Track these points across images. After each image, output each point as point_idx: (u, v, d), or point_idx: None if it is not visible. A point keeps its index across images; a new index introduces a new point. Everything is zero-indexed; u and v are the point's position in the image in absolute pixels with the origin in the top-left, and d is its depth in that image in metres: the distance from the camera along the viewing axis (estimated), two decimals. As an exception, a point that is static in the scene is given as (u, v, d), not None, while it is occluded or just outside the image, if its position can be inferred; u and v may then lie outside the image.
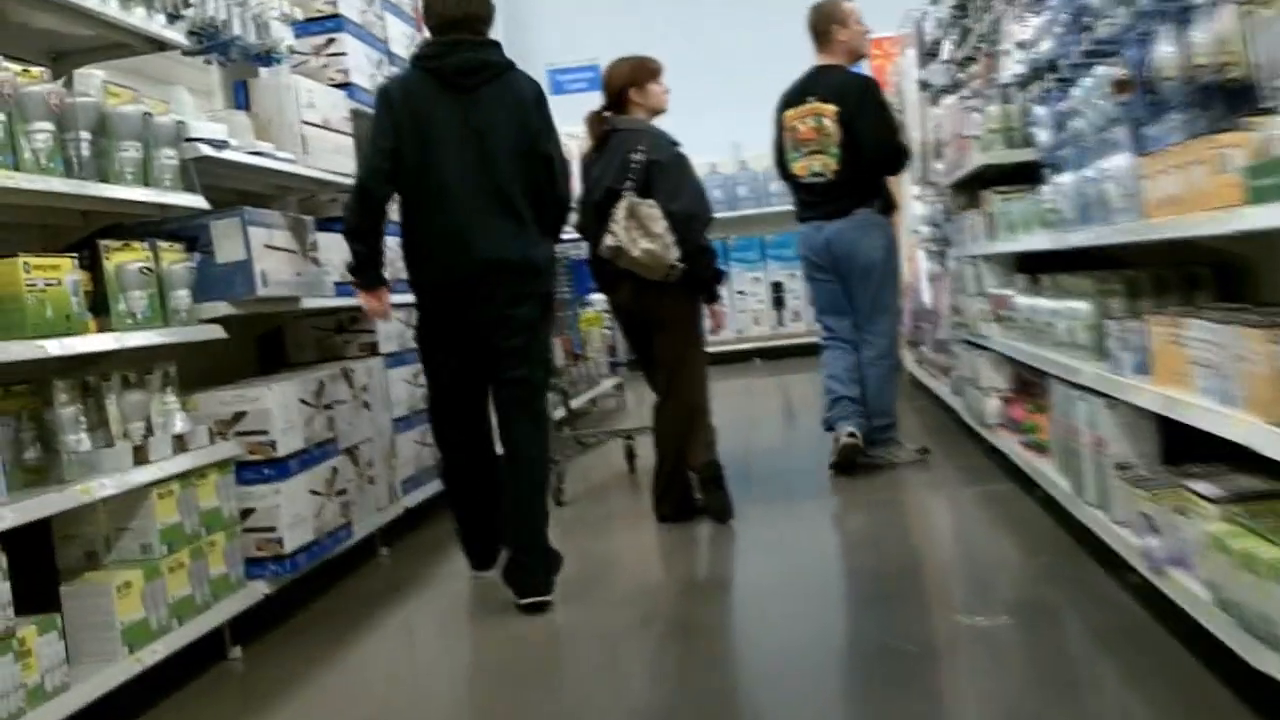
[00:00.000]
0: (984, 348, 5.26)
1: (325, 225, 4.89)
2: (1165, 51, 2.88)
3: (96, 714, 2.93)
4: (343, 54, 5.12)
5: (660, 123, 5.04)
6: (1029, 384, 5.19)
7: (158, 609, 3.18)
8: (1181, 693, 2.72)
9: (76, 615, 2.95)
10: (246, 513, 3.78)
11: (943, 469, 5.63)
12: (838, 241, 5.50)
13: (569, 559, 4.16)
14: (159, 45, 3.79)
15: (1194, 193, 2.55)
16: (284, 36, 4.55)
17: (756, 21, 11.43)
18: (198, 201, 3.69)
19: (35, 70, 3.06)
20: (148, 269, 3.39)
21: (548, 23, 12.19)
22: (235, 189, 4.57)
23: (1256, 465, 2.55)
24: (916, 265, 8.71)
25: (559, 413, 6.40)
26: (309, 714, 3.34)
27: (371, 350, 5.04)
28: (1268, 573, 2.24)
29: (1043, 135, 4.17)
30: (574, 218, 4.82)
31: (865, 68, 11.26)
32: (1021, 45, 4.59)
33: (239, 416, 3.79)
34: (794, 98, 5.62)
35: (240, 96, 4.54)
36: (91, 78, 3.34)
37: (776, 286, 12.08)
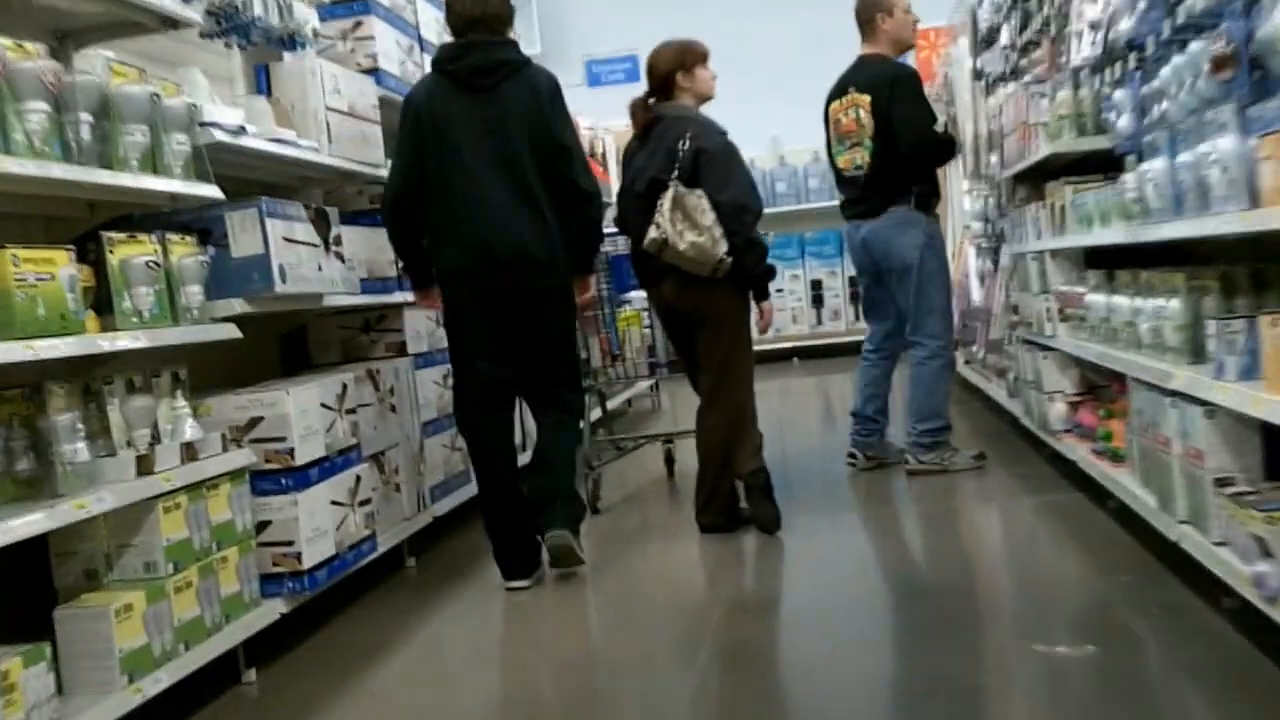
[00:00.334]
0: (1048, 348, 4.94)
1: (351, 219, 4.65)
2: (1277, 23, 2.57)
3: (93, 750, 2.67)
4: (370, 38, 4.85)
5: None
6: (1097, 387, 4.88)
7: (162, 633, 2.91)
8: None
9: (71, 642, 2.70)
10: (262, 525, 3.52)
11: (1000, 477, 5.31)
12: (873, 242, 5.35)
13: (606, 572, 4.00)
14: (172, 23, 3.52)
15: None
16: (308, 19, 4.31)
17: (796, 12, 11.15)
18: (211, 191, 3.43)
19: (30, 46, 2.80)
20: (155, 263, 3.13)
21: (584, 14, 11.92)
22: (255, 180, 4.32)
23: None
24: (966, 262, 8.39)
25: (595, 414, 6.12)
26: (327, 746, 3.08)
27: (399, 350, 4.77)
28: None
29: (1122, 121, 3.85)
30: (612, 211, 4.67)
31: (911, 59, 11.15)
32: (1094, 26, 4.29)
33: (255, 422, 3.52)
34: (838, 90, 5.49)
35: (261, 81, 4.28)
36: (95, 57, 3.09)
37: (815, 285, 11.80)
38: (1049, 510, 4.61)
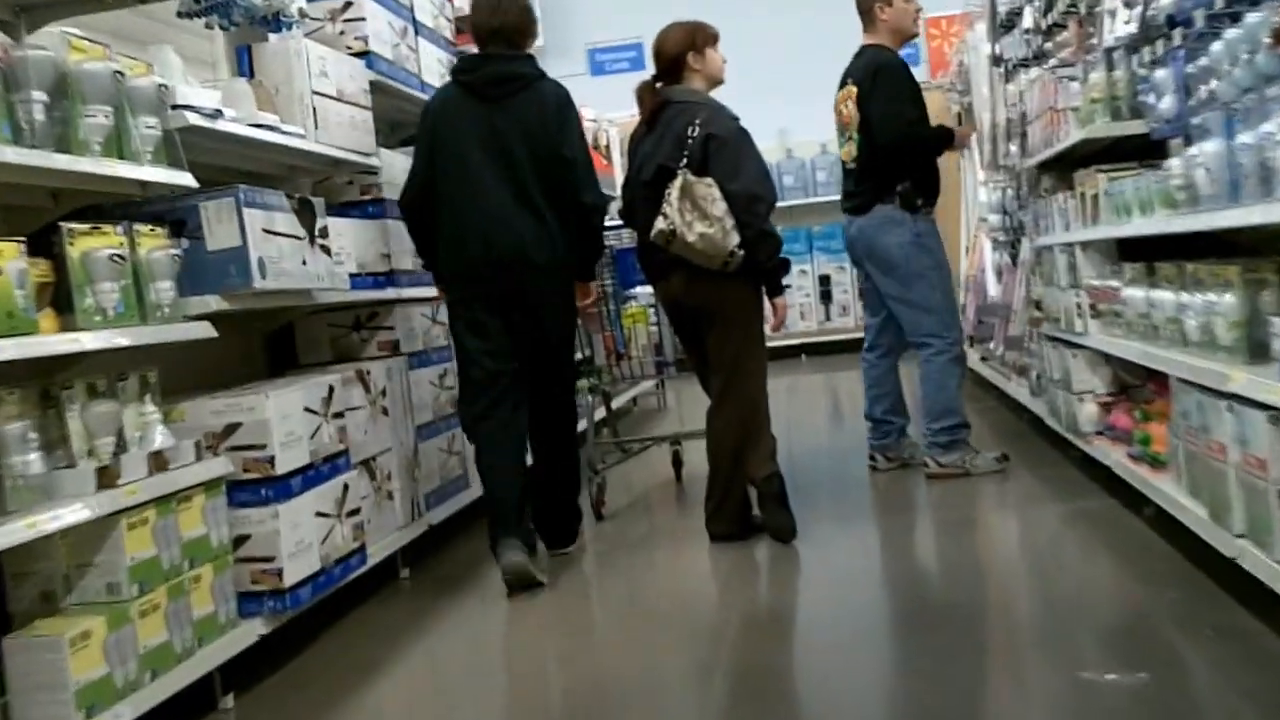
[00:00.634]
0: (1077, 346, 4.67)
1: (341, 210, 4.39)
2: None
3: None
4: (361, 19, 4.57)
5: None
6: (1130, 387, 4.62)
7: (124, 663, 2.65)
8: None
9: (21, 675, 2.45)
10: (240, 540, 3.26)
11: (1024, 480, 5.05)
12: (859, 240, 5.22)
13: (611, 584, 3.85)
14: (142, -2, 3.27)
15: None
16: (294, -2, 4.04)
17: (803, 4, 10.87)
18: (184, 178, 3.17)
19: (-24, 17, 2.55)
20: (120, 257, 2.87)
21: (587, 0, 11.63)
22: (237, 169, 4.06)
23: None
24: (981, 256, 8.12)
25: (599, 413, 5.87)
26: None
27: (393, 349, 4.51)
28: None
29: (1164, 102, 3.59)
30: (614, 205, 4.50)
31: (922, 48, 10.89)
32: (1129, 3, 4.03)
33: (232, 428, 3.26)
34: (840, 81, 5.33)
35: (243, 63, 4.01)
36: (53, 32, 2.83)
37: (824, 280, 11.57)
38: (1080, 518, 4.34)
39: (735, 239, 4.18)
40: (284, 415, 3.33)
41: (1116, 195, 3.96)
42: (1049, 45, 5.35)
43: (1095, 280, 4.40)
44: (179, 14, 3.62)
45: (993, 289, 7.68)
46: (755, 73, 10.03)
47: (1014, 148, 6.35)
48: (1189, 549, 3.48)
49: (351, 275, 4.17)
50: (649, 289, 4.90)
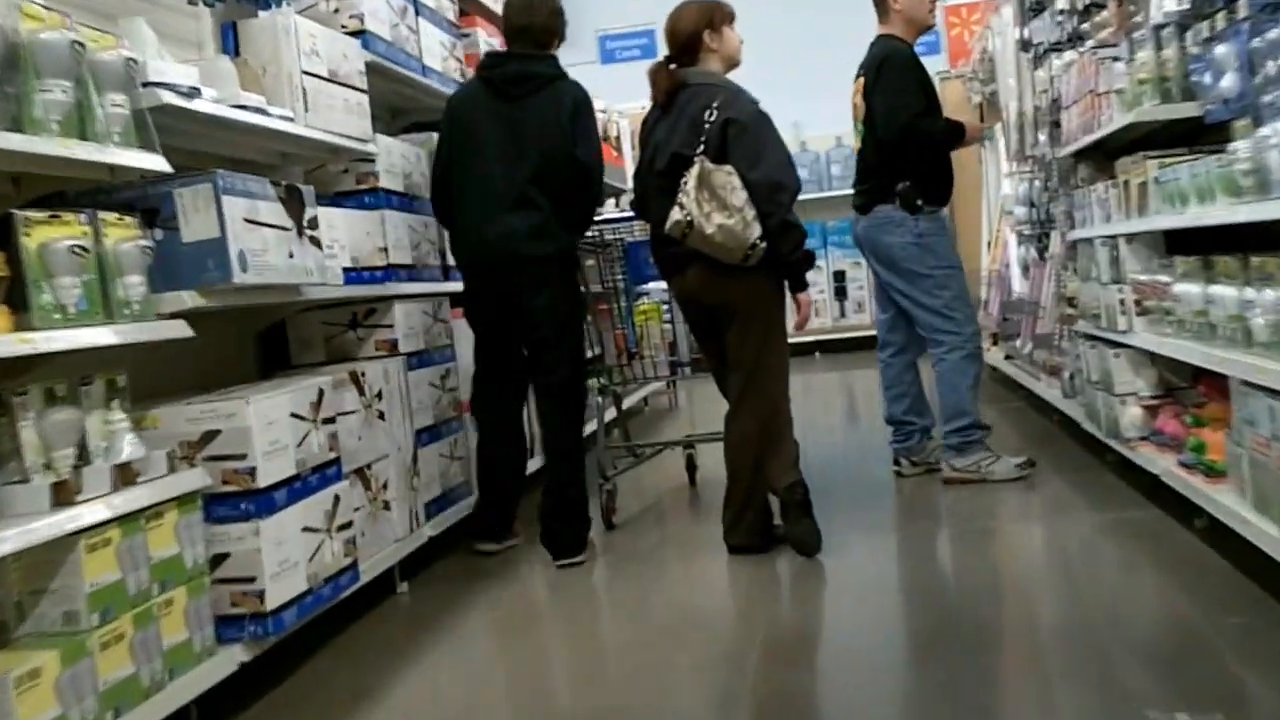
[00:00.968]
0: (1120, 345, 4.38)
1: (335, 200, 4.12)
2: None
3: None
4: (357, -3, 4.31)
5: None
6: (1176, 389, 4.33)
7: (82, 700, 2.38)
8: None
9: (-40, 720, 2.17)
10: (219, 559, 2.98)
11: (1058, 488, 4.76)
12: (864, 239, 5.04)
13: (622, 601, 3.71)
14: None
15: None
16: (284, -28, 3.77)
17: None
18: (156, 162, 2.89)
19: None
20: (82, 248, 2.59)
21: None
22: (223, 156, 3.78)
23: None
24: (1006, 251, 7.83)
25: (610, 414, 5.59)
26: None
27: (391, 349, 4.23)
28: None
29: (1225, 81, 3.30)
30: (625, 198, 4.31)
31: (943, 38, 10.59)
32: (1179, -22, 3.74)
33: (209, 437, 2.98)
34: (856, 74, 5.12)
35: (228, 42, 3.74)
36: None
37: (839, 276, 11.34)
38: (1124, 530, 4.05)
39: (757, 230, 3.91)
40: (267, 422, 3.04)
41: (1169, 183, 3.67)
42: (1086, 26, 5.06)
43: (1142, 275, 4.11)
44: (159, -12, 3.36)
45: (1018, 284, 7.40)
46: (769, 64, 9.73)
47: (1043, 137, 6.06)
48: (1251, 567, 3.20)
49: (346, 270, 3.89)
50: (662, 284, 4.62)
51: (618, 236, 4.89)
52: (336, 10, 4.27)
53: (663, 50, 4.30)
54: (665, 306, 5.03)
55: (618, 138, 8.73)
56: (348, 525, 3.48)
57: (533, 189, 4.19)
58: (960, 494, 4.73)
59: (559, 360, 4.34)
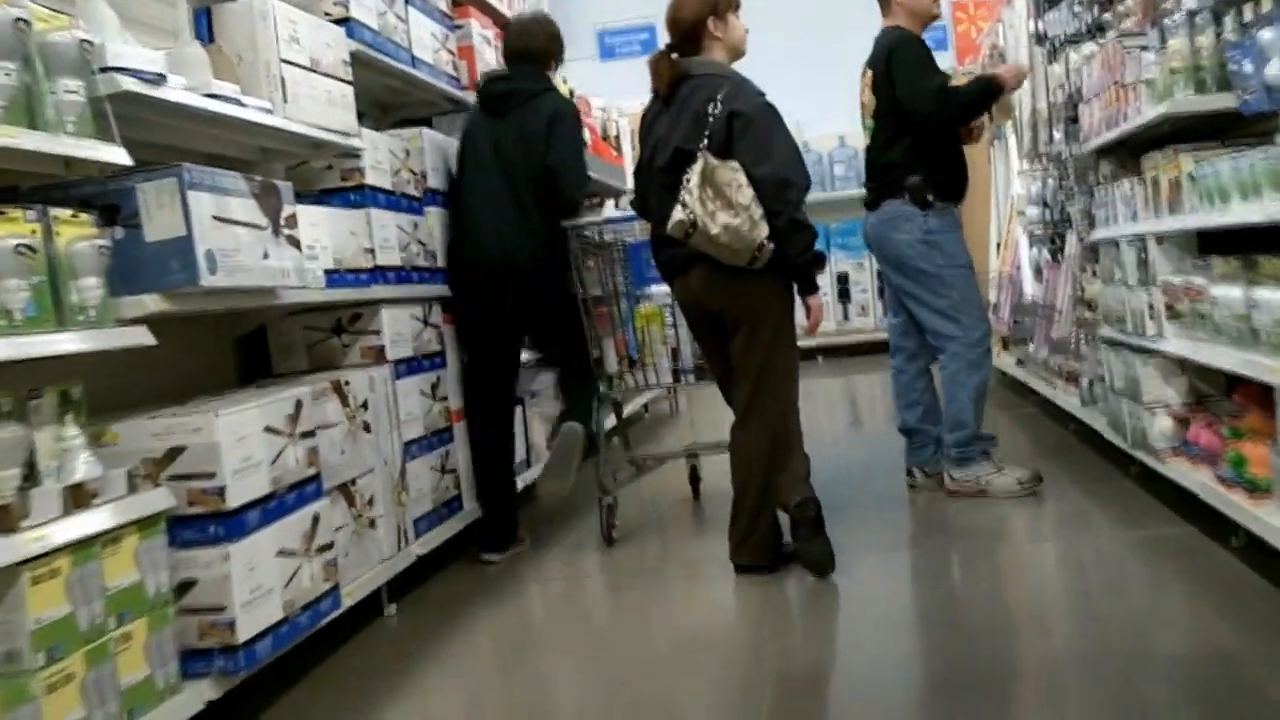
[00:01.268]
0: (1148, 351, 4.15)
1: (318, 197, 3.88)
2: None
3: None
4: (342, -17, 4.07)
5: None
6: (1207, 398, 4.10)
7: (24, 753, 2.14)
8: None
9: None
10: (185, 587, 2.73)
11: (1077, 501, 4.53)
12: (871, 236, 4.84)
13: (622, 624, 3.63)
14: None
15: None
16: (262, -44, 3.52)
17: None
18: (114, 154, 2.64)
19: None
20: (28, 247, 2.35)
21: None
22: (198, 150, 3.53)
23: None
24: (1017, 253, 7.60)
25: (610, 422, 5.34)
26: None
27: (378, 356, 3.99)
28: None
29: (1272, 68, 3.06)
30: (625, 198, 4.18)
31: (949, 34, 10.37)
32: (1216, -40, 3.52)
33: (175, 453, 2.74)
34: (863, 70, 4.91)
35: (202, 28, 3.50)
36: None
37: (842, 279, 11.09)
38: (1156, 549, 3.81)
39: (764, 230, 3.68)
40: (238, 437, 2.80)
41: (1208, 178, 3.43)
42: (1108, 16, 4.83)
43: (1174, 277, 3.87)
44: (126, -31, 3.12)
45: (1030, 287, 7.17)
46: (770, 62, 9.56)
47: (1058, 134, 5.83)
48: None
49: (328, 272, 3.64)
50: (665, 287, 4.38)
51: (618, 237, 4.65)
52: (320, -3, 4.03)
53: (664, 43, 4.07)
54: (668, 310, 4.79)
55: (617, 136, 8.50)
56: (328, 547, 3.24)
57: (522, 201, 4.37)
58: (976, 509, 4.50)
59: (561, 338, 4.60)
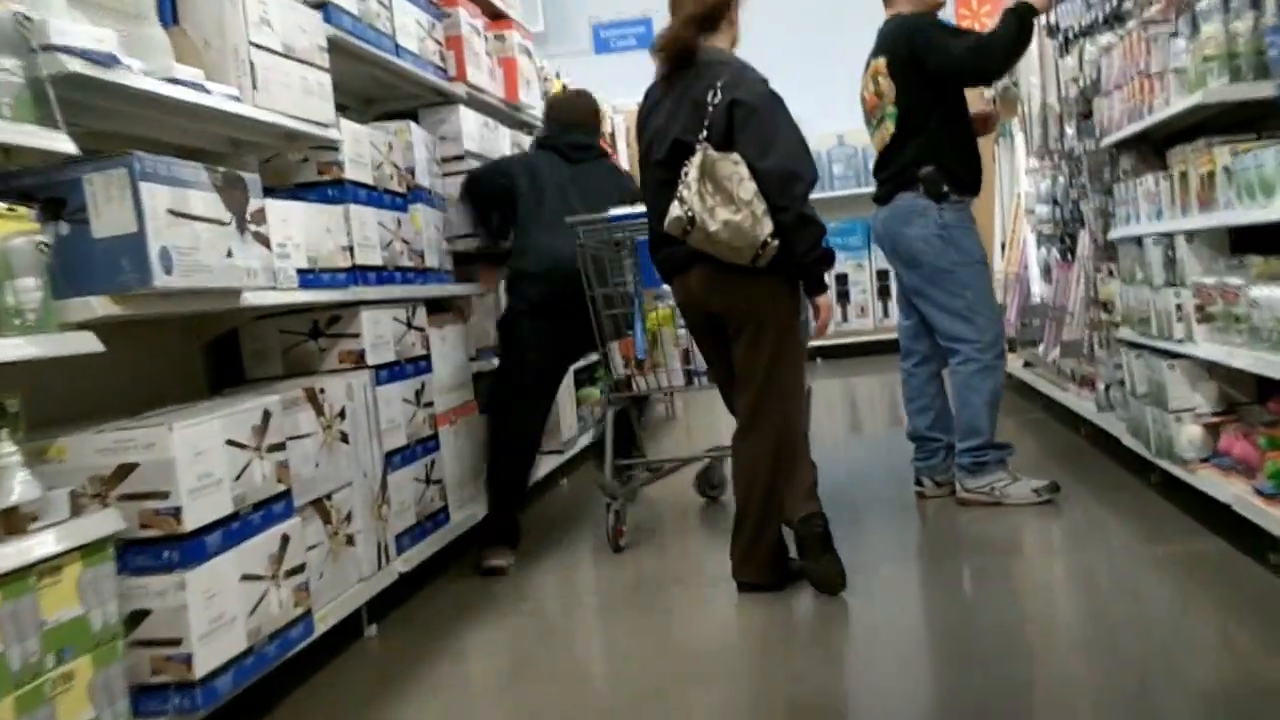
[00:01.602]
0: (1176, 355, 3.92)
1: (291, 192, 3.64)
2: None
3: None
4: (318, -36, 3.83)
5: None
6: (1238, 405, 3.87)
7: (-61, 815, 1.90)
8: None
9: None
10: (137, 618, 2.48)
11: (1096, 512, 4.31)
12: (882, 233, 4.62)
13: (623, 645, 3.44)
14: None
15: None
16: (231, -67, 3.27)
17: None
18: (57, 141, 2.40)
19: None
20: (-44, 244, 2.11)
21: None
22: (164, 141, 3.28)
23: None
24: (1024, 252, 7.37)
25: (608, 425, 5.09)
26: None
27: (357, 361, 3.75)
28: None
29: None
30: None
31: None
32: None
33: (125, 471, 2.49)
34: (866, 63, 4.68)
35: (165, 11, 3.24)
36: None
37: (840, 279, 10.85)
38: (1185, 564, 3.59)
39: (767, 227, 3.46)
40: (195, 452, 2.55)
41: (1247, 171, 3.19)
42: (1128, 5, 4.59)
43: (1206, 277, 3.64)
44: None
45: (1038, 288, 6.95)
46: (766, 60, 9.36)
47: (1070, 129, 5.61)
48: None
49: (302, 271, 3.40)
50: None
51: (627, 235, 4.41)
52: (295, -20, 3.78)
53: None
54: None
55: (612, 134, 8.27)
56: (299, 569, 2.99)
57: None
58: (990, 520, 4.27)
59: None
